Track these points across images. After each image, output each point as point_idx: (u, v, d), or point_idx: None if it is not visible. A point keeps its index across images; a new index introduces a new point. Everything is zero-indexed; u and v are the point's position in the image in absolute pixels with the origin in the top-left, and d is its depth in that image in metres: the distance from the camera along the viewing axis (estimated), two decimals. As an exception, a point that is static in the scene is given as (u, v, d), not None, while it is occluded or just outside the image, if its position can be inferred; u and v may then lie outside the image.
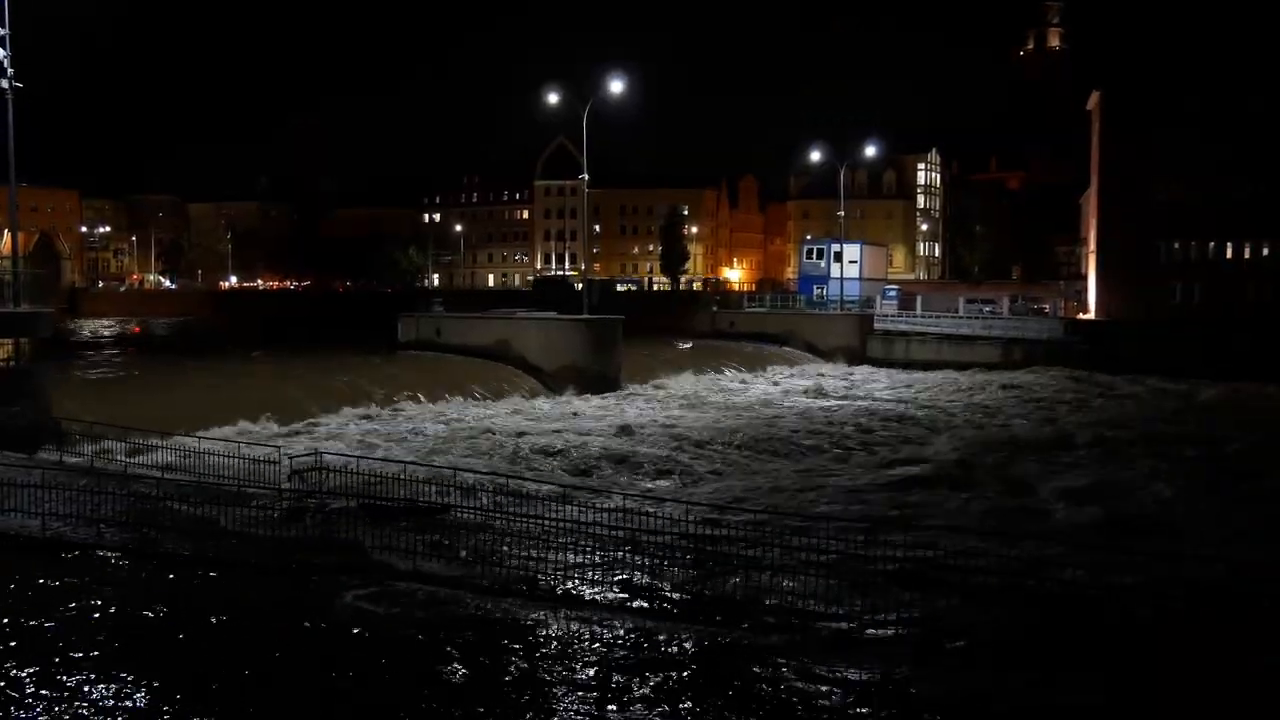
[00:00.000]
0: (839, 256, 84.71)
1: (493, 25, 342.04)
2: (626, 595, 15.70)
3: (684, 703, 11.57)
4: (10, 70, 28.74)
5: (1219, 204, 74.96)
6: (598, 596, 15.51)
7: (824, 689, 11.93)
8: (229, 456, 23.94)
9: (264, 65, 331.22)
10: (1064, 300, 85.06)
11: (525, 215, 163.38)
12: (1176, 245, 77.38)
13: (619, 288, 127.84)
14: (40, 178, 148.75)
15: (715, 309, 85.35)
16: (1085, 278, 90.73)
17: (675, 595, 16.01)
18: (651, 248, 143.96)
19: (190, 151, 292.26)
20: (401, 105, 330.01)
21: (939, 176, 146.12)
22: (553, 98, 50.64)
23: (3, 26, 28.18)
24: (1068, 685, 12.35)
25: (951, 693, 12.05)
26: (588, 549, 17.13)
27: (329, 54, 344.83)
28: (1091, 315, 79.81)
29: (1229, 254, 76.89)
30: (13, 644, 12.63)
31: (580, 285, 59.95)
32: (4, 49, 28.54)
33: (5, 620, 13.48)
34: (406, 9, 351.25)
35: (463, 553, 16.88)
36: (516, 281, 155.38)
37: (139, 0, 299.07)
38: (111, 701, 11.04)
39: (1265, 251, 76.12)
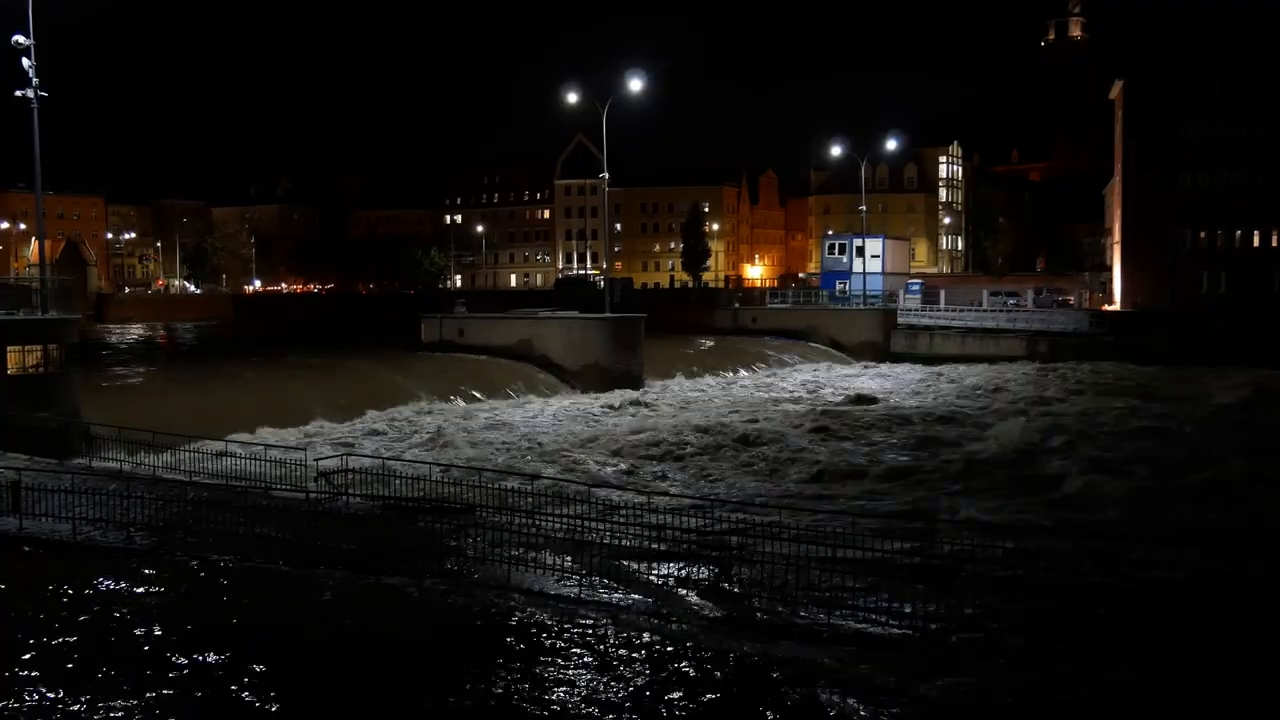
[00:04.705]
0: (861, 251, 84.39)
1: (492, 26, 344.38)
2: (649, 592, 15.69)
3: (705, 702, 11.55)
4: (35, 80, 29.03)
5: (1244, 191, 74.24)
6: (617, 596, 15.51)
7: (846, 687, 11.88)
8: (256, 459, 24.10)
9: (264, 66, 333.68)
10: (1089, 292, 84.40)
11: (546, 215, 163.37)
12: (1202, 234, 76.62)
13: (649, 285, 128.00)
14: (67, 185, 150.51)
15: (737, 305, 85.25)
16: (1110, 268, 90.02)
17: (699, 593, 16.00)
18: (673, 245, 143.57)
19: (209, 153, 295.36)
20: (404, 105, 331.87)
21: (960, 169, 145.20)
22: (571, 97, 50.58)
23: (27, 38, 28.46)
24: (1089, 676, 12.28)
25: (965, 691, 11.98)
26: (613, 548, 17.12)
27: (328, 54, 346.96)
28: (1117, 306, 79.17)
29: (1255, 242, 76.09)
30: (42, 646, 12.75)
31: (602, 284, 60.01)
32: (29, 59, 28.82)
33: (38, 623, 13.62)
34: (408, 8, 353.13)
35: (484, 552, 16.90)
36: (539, 281, 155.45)
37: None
38: (134, 702, 11.14)
39: (1293, 239, 75.36)
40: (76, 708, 11.02)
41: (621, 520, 18.87)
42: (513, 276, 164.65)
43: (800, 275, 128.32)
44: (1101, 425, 37.27)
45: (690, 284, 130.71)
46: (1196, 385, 49.19)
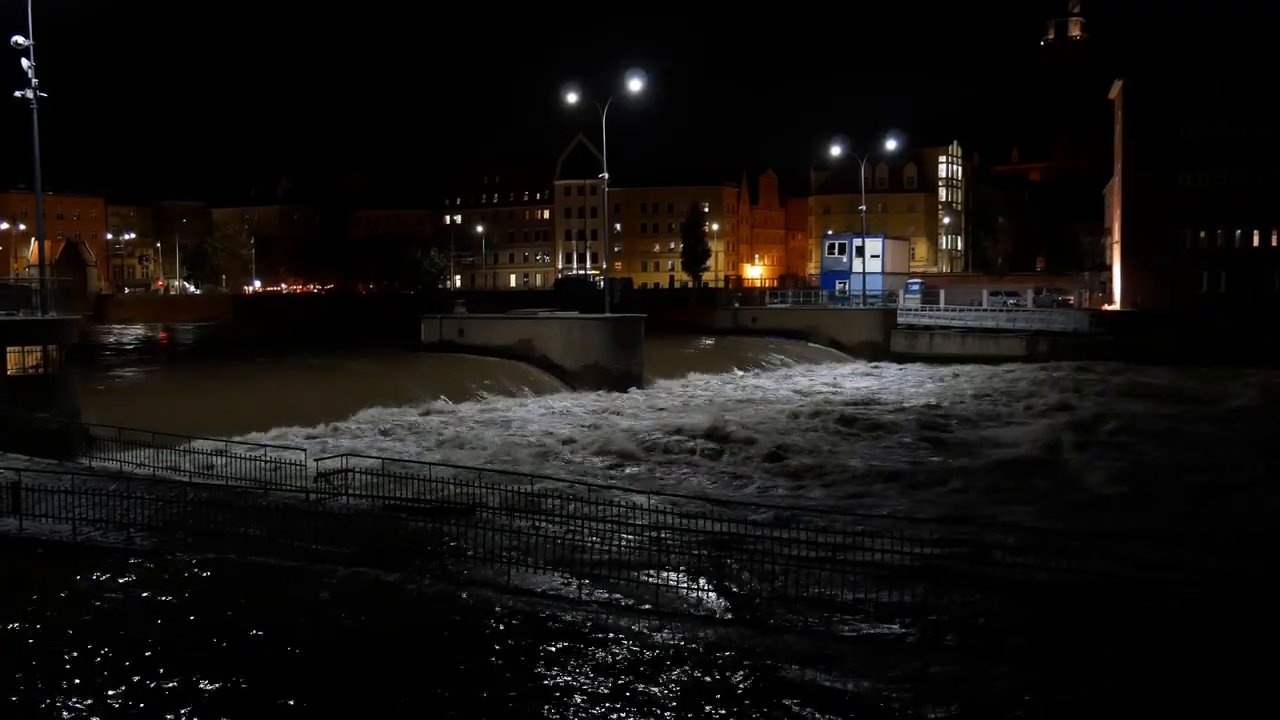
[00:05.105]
0: (861, 251, 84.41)
1: (492, 26, 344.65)
2: (650, 593, 15.68)
3: (705, 703, 11.54)
4: (35, 80, 29.02)
5: (1244, 191, 74.25)
6: (617, 596, 15.50)
7: (840, 689, 11.88)
8: (256, 460, 24.10)
9: (264, 66, 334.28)
10: (1089, 291, 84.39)
11: (546, 215, 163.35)
12: (1202, 234, 76.61)
13: (649, 285, 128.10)
14: (66, 185, 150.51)
15: (737, 305, 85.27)
16: (1110, 268, 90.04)
17: (699, 593, 15.99)
18: (673, 245, 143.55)
19: (209, 153, 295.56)
20: (404, 105, 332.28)
21: (960, 169, 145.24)
22: (571, 97, 50.56)
23: (26, 38, 28.45)
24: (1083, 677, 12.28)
25: (965, 691, 11.98)
26: (612, 548, 17.10)
27: (329, 54, 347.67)
28: (1117, 306, 79.18)
29: (1255, 241, 76.09)
30: (42, 647, 12.76)
31: (602, 284, 60.07)
32: (28, 59, 28.81)
33: (38, 624, 13.62)
34: (408, 8, 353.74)
35: (484, 553, 16.88)
36: (539, 281, 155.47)
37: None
38: (133, 702, 11.14)
39: (1293, 238, 75.36)
40: (76, 708, 11.02)
41: (622, 520, 18.86)
42: (512, 277, 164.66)
43: (806, 275, 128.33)
44: (1108, 426, 37.18)
45: (690, 284, 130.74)
46: (1209, 386, 49.10)
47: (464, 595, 14.94)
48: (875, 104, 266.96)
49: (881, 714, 11.16)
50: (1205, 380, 50.62)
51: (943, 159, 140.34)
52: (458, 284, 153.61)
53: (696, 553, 17.84)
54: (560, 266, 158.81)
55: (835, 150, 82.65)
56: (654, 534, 17.75)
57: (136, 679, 11.76)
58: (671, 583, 16.34)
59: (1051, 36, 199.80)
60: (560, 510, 19.16)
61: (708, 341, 65.13)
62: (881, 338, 70.87)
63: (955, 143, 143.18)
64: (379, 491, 21.66)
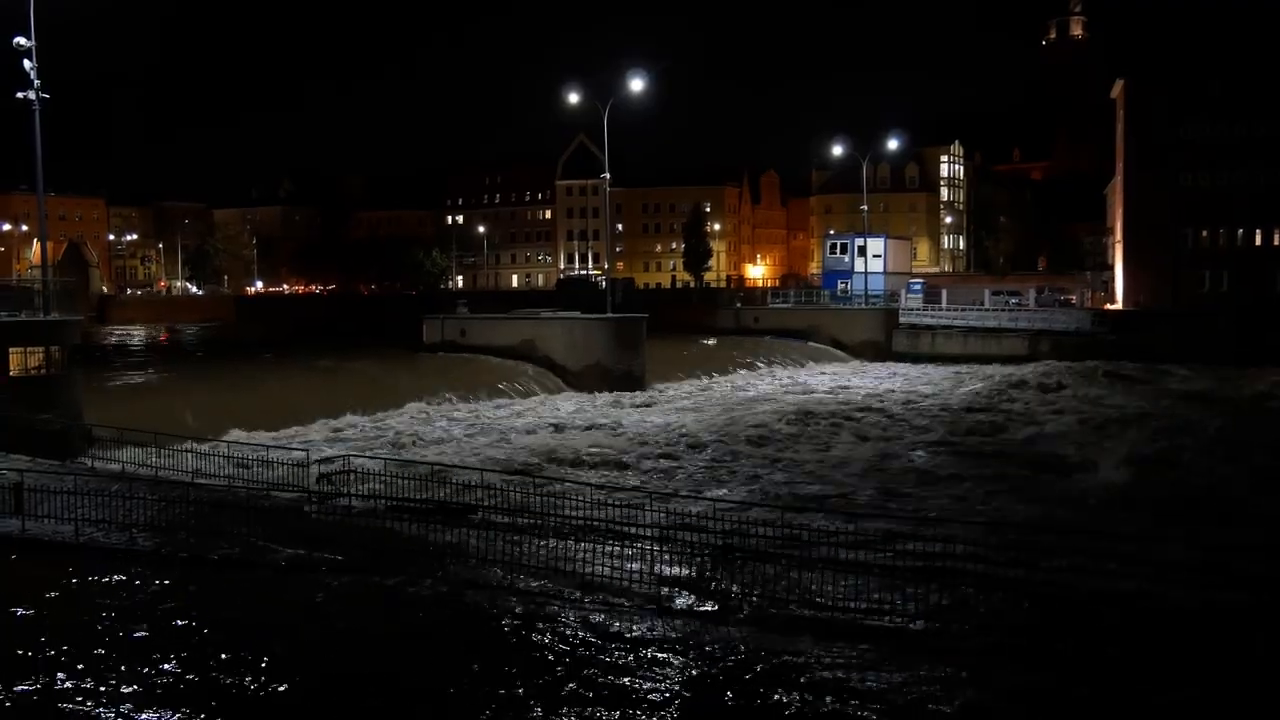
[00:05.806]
0: (862, 251, 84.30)
1: (492, 26, 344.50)
2: (652, 594, 15.69)
3: (706, 704, 11.57)
4: (37, 82, 29.06)
5: (1245, 191, 74.26)
6: (622, 599, 15.51)
7: (843, 690, 11.90)
8: (257, 460, 24.12)
9: (264, 66, 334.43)
10: (1091, 291, 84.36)
11: (548, 215, 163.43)
12: (1203, 234, 76.61)
13: (651, 285, 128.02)
14: (68, 186, 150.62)
15: (739, 305, 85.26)
16: (1112, 268, 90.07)
17: (700, 592, 16.00)
18: (675, 245, 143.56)
19: (209, 154, 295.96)
20: (404, 105, 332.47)
21: (962, 168, 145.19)
22: (572, 97, 50.57)
23: (28, 39, 28.48)
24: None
25: (966, 691, 11.99)
26: (615, 548, 17.11)
27: (329, 54, 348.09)
28: (1119, 305, 79.18)
29: (1257, 241, 76.08)
30: (44, 647, 12.79)
31: (604, 284, 60.08)
32: (30, 60, 28.85)
33: (40, 625, 13.66)
34: (408, 8, 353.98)
35: (484, 553, 16.91)
36: (540, 281, 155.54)
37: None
38: (134, 703, 11.17)
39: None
40: (77, 708, 11.05)
41: (623, 520, 18.87)
42: (514, 277, 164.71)
43: (808, 275, 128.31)
44: (1114, 425, 37.15)
45: (692, 284, 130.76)
46: (1228, 386, 48.97)
47: (464, 596, 14.98)
48: (875, 104, 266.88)
49: (883, 714, 11.18)
50: (1223, 380, 50.46)
51: (944, 159, 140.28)
52: (459, 284, 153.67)
53: (697, 551, 17.84)
54: (562, 267, 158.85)
55: (837, 150, 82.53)
56: (655, 532, 17.75)
57: (138, 679, 11.79)
58: (672, 581, 16.34)
59: (1052, 36, 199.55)
60: (561, 511, 19.18)
61: (710, 341, 65.13)
62: (883, 337, 70.85)
63: (956, 142, 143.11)
64: (380, 492, 21.67)
